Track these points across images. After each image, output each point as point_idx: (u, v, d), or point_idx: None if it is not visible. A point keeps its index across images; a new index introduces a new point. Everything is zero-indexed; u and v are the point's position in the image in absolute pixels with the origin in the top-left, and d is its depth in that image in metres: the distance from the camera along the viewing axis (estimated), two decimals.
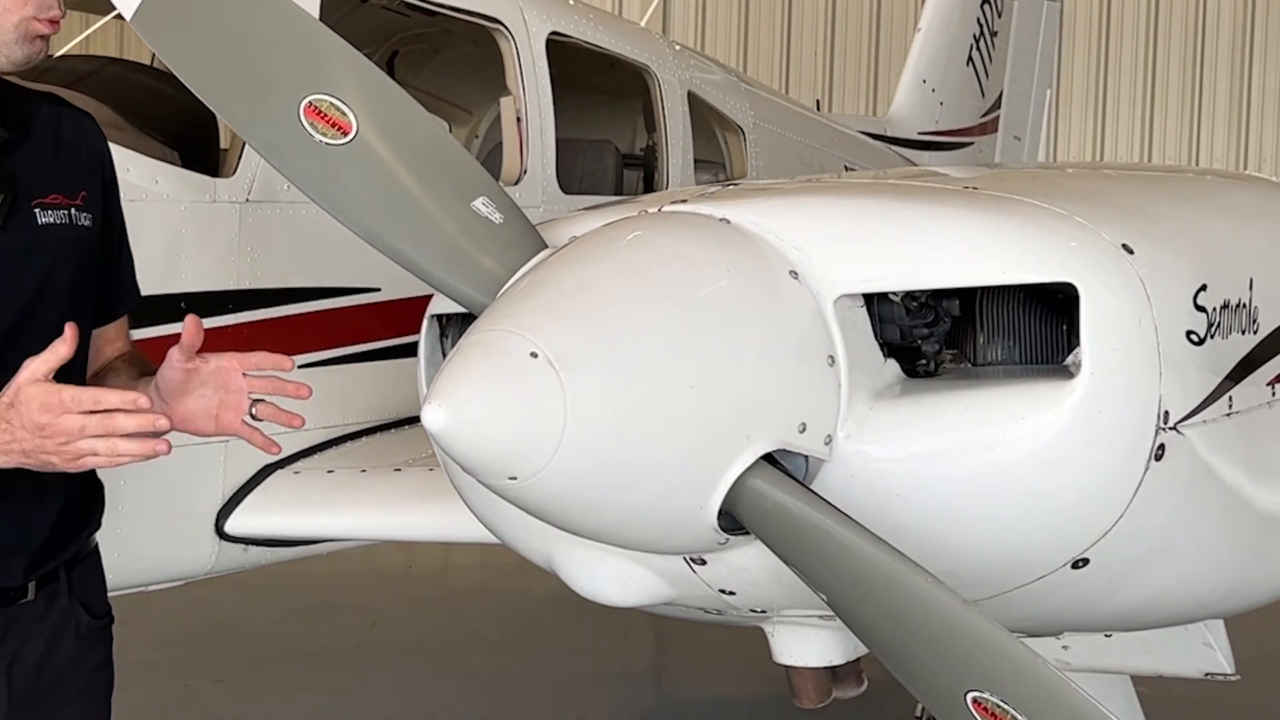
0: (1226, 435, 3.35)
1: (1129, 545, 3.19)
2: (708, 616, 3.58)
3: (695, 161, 7.70)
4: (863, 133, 10.70)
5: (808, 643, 3.62)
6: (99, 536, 3.37)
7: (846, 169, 9.47)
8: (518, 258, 3.13)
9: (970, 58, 11.93)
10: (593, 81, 7.60)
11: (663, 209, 3.26)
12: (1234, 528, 3.48)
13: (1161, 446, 3.11)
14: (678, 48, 7.79)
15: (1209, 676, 4.33)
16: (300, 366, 3.28)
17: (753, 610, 3.44)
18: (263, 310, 5.29)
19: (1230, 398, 3.36)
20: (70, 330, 2.79)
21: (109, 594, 3.41)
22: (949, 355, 3.35)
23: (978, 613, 2.84)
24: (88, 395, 2.73)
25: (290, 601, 8.79)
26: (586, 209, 3.45)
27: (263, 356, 3.12)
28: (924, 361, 3.27)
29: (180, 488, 5.07)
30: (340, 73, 3.31)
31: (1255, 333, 3.49)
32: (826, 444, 3.06)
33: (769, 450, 2.96)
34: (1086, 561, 3.17)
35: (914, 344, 3.25)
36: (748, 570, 3.23)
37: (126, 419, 2.73)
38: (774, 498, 2.93)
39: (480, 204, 3.24)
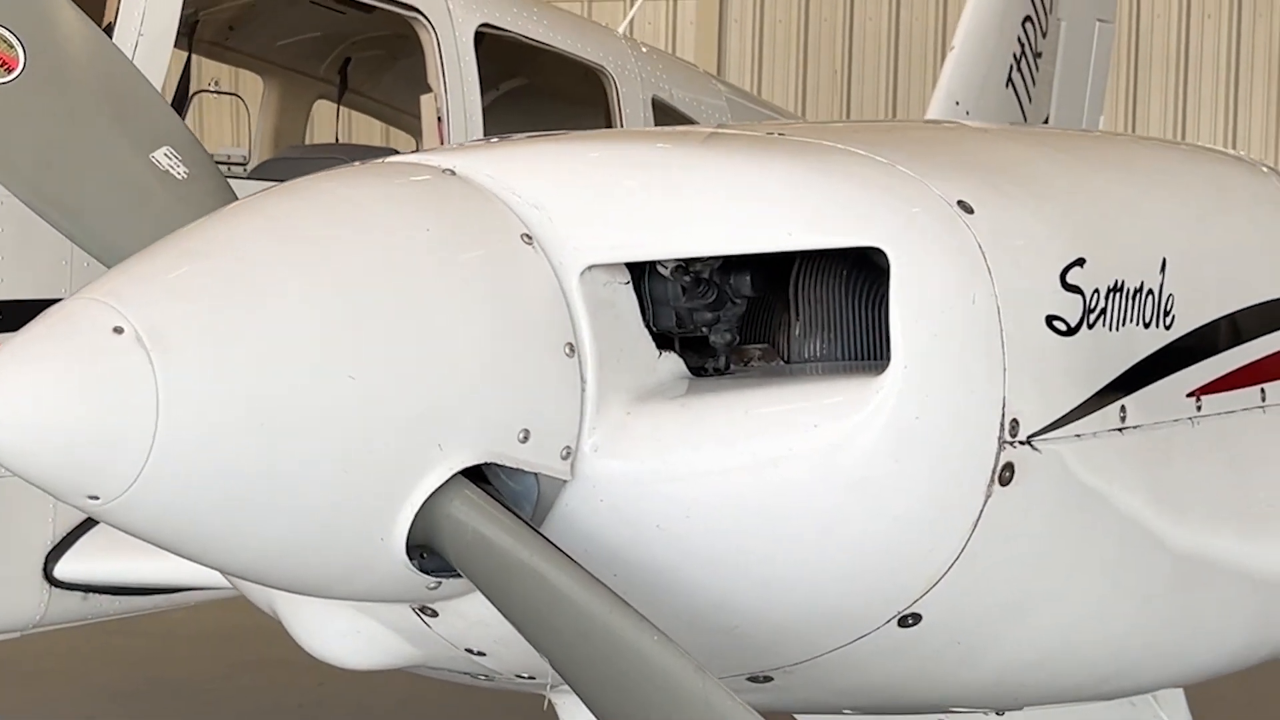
0: (1118, 455, 2.61)
1: (975, 595, 2.47)
2: (480, 682, 2.87)
3: None
4: None
5: None
6: None
7: None
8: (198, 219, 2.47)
9: (1010, 79, 11.16)
10: (546, 81, 6.96)
11: (386, 160, 2.58)
12: (1136, 575, 2.72)
13: (1009, 466, 2.38)
14: (644, 50, 7.11)
15: None
16: None
17: (519, 676, 2.72)
18: None
19: (1123, 406, 2.60)
20: None
21: None
22: (758, 351, 2.63)
23: (714, 682, 2.12)
24: None
25: (241, 654, 8.17)
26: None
27: None
28: (715, 357, 2.54)
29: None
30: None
31: (1167, 327, 2.74)
32: (565, 458, 2.37)
33: (472, 464, 2.27)
34: (917, 618, 2.45)
35: (699, 332, 2.52)
36: (488, 624, 2.51)
37: None
38: (474, 527, 2.23)
39: (162, 155, 2.62)
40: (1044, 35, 11.63)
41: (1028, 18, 11.44)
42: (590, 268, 2.41)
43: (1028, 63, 11.40)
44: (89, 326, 2.06)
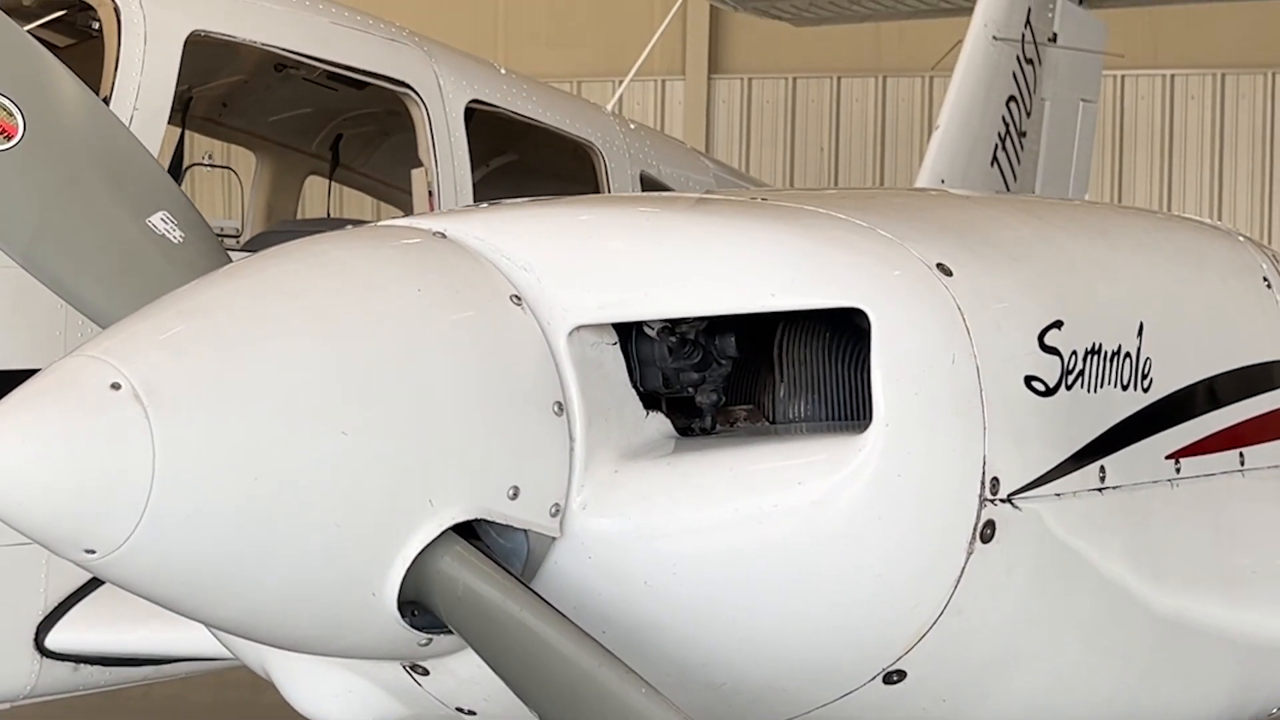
0: (1098, 515, 2.65)
1: (958, 652, 2.49)
2: None
3: None
4: None
5: None
6: None
7: None
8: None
9: (995, 157, 11.24)
10: (536, 156, 7.02)
11: (378, 224, 2.63)
12: (1117, 635, 2.76)
13: (990, 524, 2.42)
14: (632, 126, 7.18)
15: None
16: None
17: None
18: None
19: (1102, 467, 2.65)
20: None
21: None
22: (744, 411, 2.67)
23: None
24: None
25: None
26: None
27: None
28: (701, 417, 2.59)
29: None
30: (10, 68, 2.77)
31: (1145, 390, 2.79)
32: (554, 515, 2.40)
33: (463, 519, 2.31)
34: (902, 675, 2.48)
35: (685, 393, 2.57)
36: (478, 682, 2.54)
37: None
38: (465, 582, 2.26)
39: (159, 220, 2.66)
40: (1028, 114, 11.71)
41: (1012, 97, 11.53)
42: (578, 328, 2.46)
43: (1012, 141, 11.47)
44: (87, 382, 2.10)
